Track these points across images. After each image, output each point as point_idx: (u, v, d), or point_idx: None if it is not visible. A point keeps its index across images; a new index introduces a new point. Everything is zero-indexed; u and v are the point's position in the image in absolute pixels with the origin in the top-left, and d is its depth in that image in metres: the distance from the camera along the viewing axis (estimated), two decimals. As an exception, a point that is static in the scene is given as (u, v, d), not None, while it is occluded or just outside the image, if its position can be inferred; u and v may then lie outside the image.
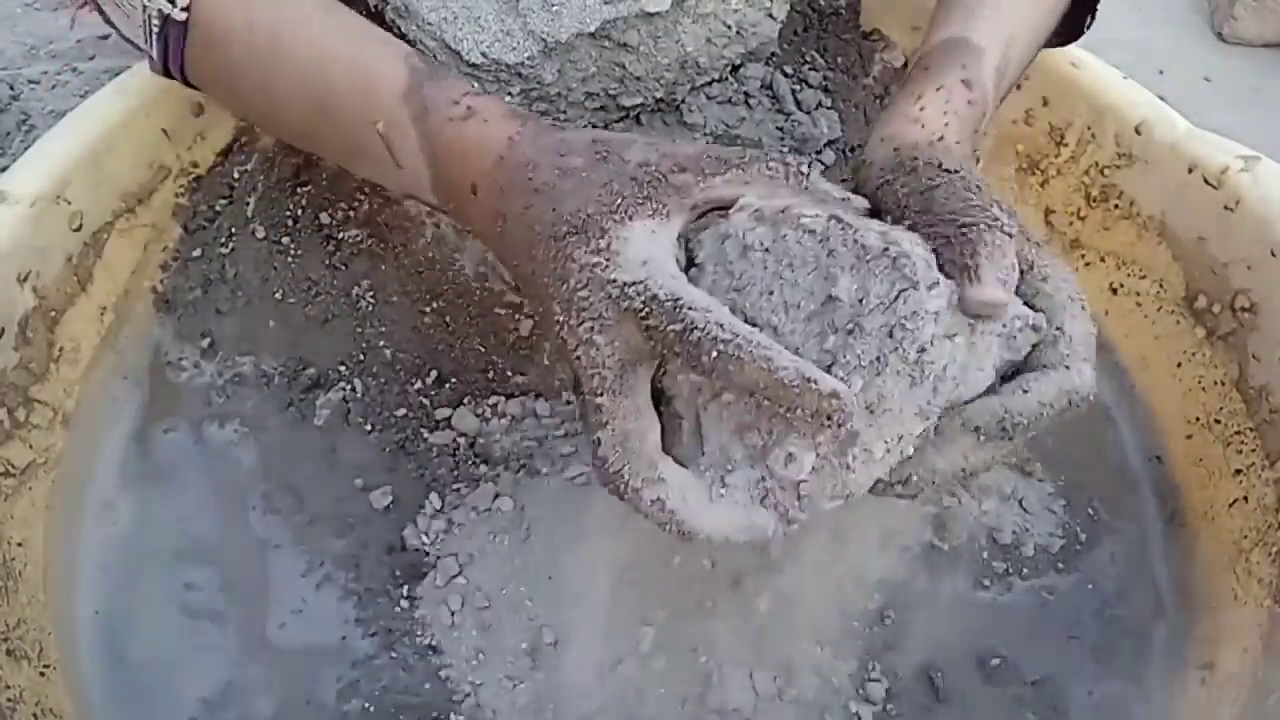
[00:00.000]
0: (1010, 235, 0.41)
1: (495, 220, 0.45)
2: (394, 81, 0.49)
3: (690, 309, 0.38)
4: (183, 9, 0.53)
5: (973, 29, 0.54)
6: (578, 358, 0.41)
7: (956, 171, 0.44)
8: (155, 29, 0.54)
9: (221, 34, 0.53)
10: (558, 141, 0.44)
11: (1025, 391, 0.42)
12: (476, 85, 0.55)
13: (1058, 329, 0.43)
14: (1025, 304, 0.44)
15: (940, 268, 0.41)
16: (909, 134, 0.48)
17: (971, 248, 0.41)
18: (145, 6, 0.53)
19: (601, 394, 0.40)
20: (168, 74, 0.57)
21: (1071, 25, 0.65)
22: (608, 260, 0.40)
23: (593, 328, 0.40)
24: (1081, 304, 0.45)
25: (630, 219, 0.41)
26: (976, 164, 0.51)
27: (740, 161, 0.43)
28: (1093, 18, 0.65)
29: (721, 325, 0.38)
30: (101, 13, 0.58)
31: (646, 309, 0.39)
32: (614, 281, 0.40)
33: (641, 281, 0.39)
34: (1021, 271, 0.44)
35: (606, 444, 0.40)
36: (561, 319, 0.41)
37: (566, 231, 0.41)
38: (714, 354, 0.38)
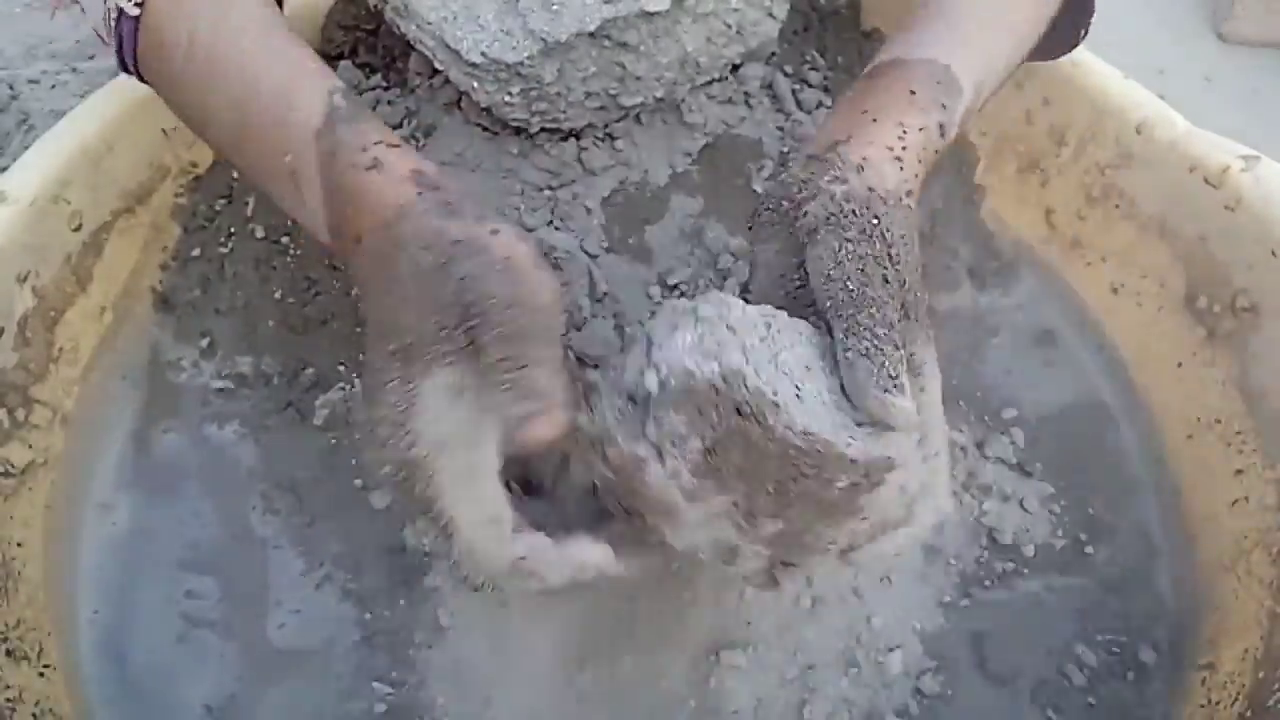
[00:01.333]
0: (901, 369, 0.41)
1: (368, 282, 0.46)
2: (310, 116, 0.49)
3: (453, 518, 0.41)
4: (136, 4, 0.52)
5: (956, 58, 0.53)
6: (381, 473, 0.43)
7: (901, 261, 0.44)
8: (113, 21, 0.54)
9: (168, 40, 0.53)
10: (432, 231, 0.43)
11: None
12: (476, 85, 0.55)
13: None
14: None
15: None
16: (886, 174, 0.47)
17: (852, 370, 0.41)
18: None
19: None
20: (124, 68, 0.56)
21: (1066, 36, 0.65)
22: (409, 411, 0.41)
23: (388, 477, 0.42)
24: (940, 421, 0.45)
25: (435, 367, 0.41)
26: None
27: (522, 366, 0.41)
28: (1086, 31, 0.65)
29: (467, 530, 0.41)
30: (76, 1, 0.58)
31: (423, 498, 0.41)
32: (402, 455, 0.41)
33: (425, 472, 0.41)
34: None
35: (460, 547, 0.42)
36: (372, 419, 0.42)
37: (391, 351, 0.42)
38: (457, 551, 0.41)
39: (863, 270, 0.43)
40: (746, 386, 0.39)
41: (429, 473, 0.41)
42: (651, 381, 0.40)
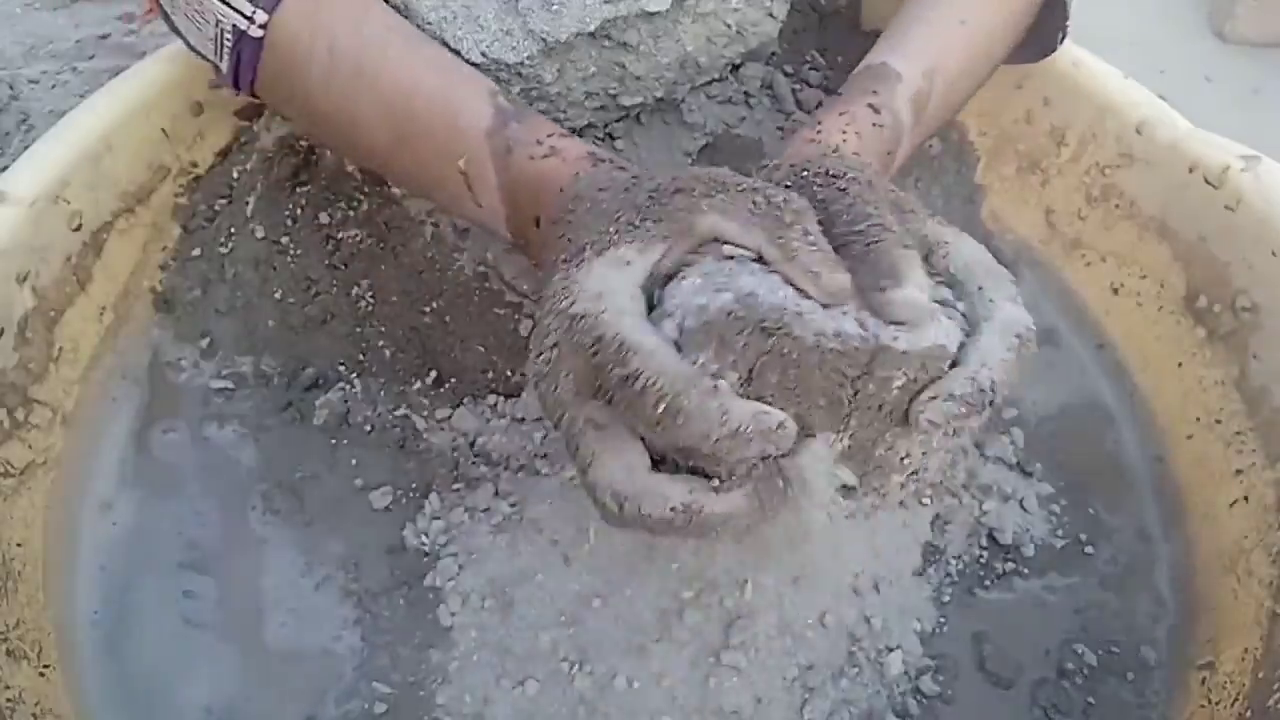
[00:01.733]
0: (912, 248, 0.41)
1: (546, 246, 0.45)
2: (479, 118, 0.49)
3: (634, 353, 0.37)
4: (260, 26, 0.52)
5: (894, 56, 0.55)
6: (537, 388, 0.41)
7: (845, 175, 0.43)
8: (228, 44, 0.53)
9: (301, 56, 0.52)
10: (610, 178, 0.44)
11: (977, 351, 0.41)
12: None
13: (978, 288, 0.43)
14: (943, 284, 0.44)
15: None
16: (804, 151, 0.48)
17: (889, 263, 0.40)
18: (219, 21, 0.53)
19: (574, 434, 0.40)
20: (235, 88, 0.56)
21: (1045, 39, 0.65)
22: (568, 289, 0.40)
23: (548, 359, 0.40)
24: (986, 261, 0.44)
25: (609, 248, 0.40)
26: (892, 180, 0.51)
27: (734, 186, 0.41)
28: (1064, 35, 0.65)
29: (667, 372, 0.37)
30: (168, 20, 0.57)
31: (594, 347, 0.38)
32: (564, 313, 0.39)
33: (589, 316, 0.38)
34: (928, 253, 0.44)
35: (601, 487, 0.39)
36: (531, 346, 0.41)
37: (560, 260, 0.41)
38: (660, 407, 0.37)
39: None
40: (762, 303, 0.38)
41: (594, 315, 0.38)
42: (670, 329, 0.39)
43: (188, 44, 0.57)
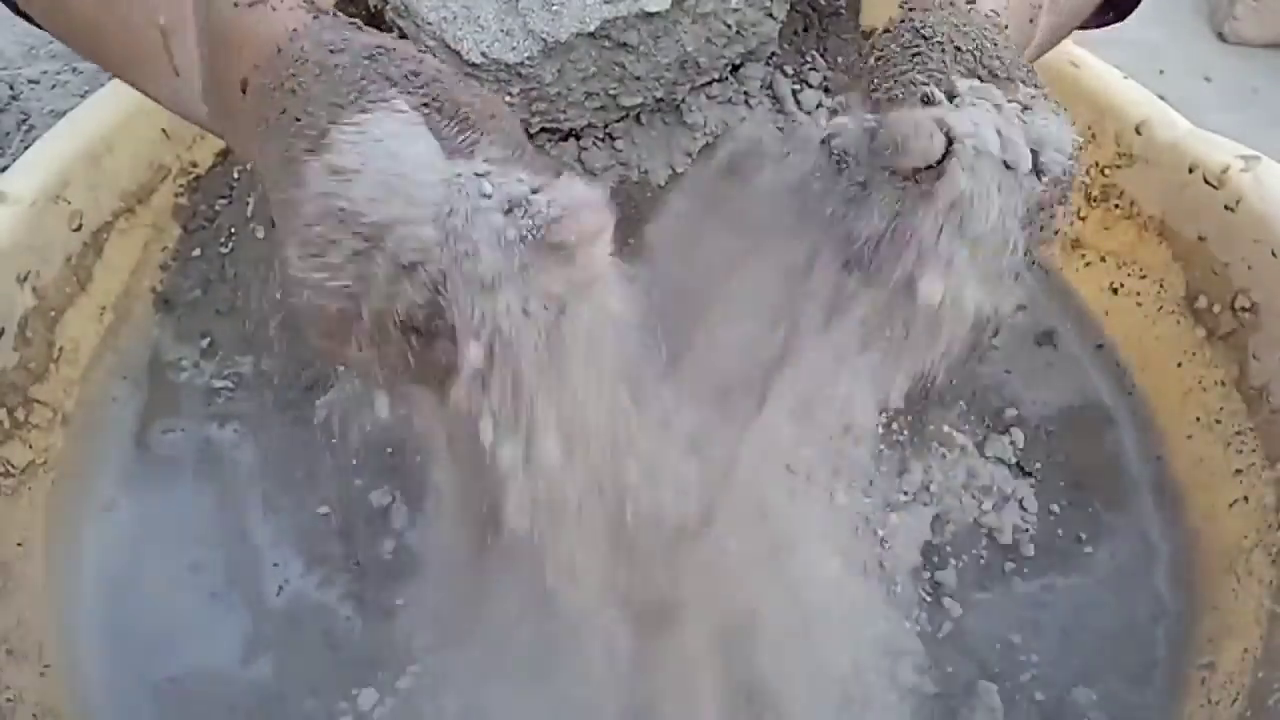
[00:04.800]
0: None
1: (255, 128, 0.36)
2: None
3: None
4: None
5: None
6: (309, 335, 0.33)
7: (970, 38, 0.39)
8: None
9: None
10: (340, 38, 0.35)
11: None
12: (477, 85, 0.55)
13: None
14: None
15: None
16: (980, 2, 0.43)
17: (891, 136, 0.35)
18: None
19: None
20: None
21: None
22: (342, 173, 0.30)
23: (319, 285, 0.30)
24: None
25: (366, 109, 0.32)
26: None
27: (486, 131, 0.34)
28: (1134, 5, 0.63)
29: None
30: None
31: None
32: (345, 210, 0.30)
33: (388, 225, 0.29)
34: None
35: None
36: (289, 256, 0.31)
37: (293, 132, 0.32)
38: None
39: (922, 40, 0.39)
40: None
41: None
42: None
43: None
